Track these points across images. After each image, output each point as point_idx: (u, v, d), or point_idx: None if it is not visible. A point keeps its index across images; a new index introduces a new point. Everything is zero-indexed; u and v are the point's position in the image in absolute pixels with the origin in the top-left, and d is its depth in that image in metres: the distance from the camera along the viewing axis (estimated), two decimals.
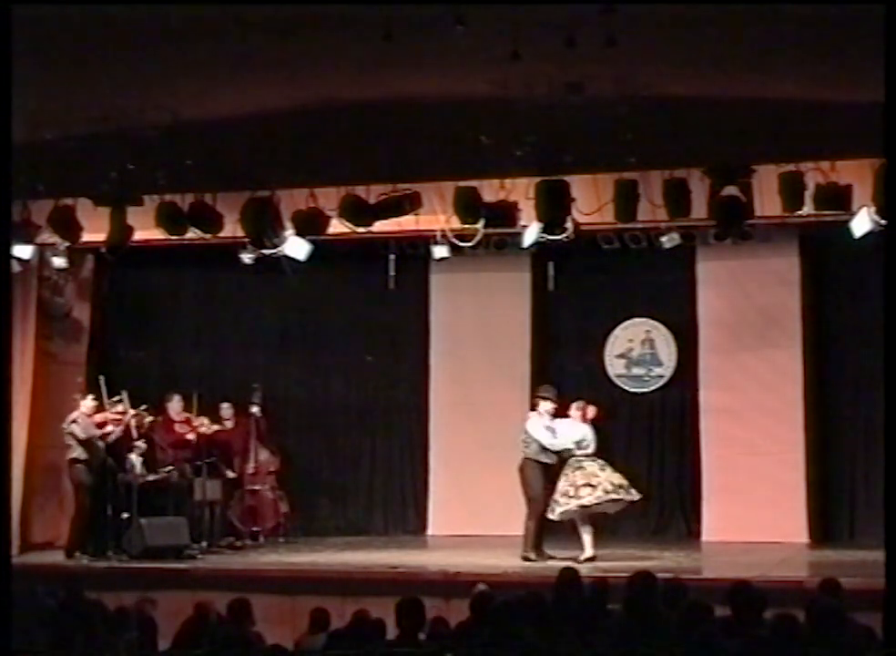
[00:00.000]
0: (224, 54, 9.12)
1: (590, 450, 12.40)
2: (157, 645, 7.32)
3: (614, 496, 12.19)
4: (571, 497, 12.14)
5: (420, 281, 15.20)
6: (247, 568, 12.31)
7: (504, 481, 13.18)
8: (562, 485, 12.26)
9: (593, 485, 12.15)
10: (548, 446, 12.42)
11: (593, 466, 12.26)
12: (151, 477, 13.28)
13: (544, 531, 12.51)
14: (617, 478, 12.27)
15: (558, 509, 12.19)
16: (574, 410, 12.59)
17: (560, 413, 12.63)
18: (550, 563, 11.84)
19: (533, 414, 12.68)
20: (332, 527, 15.29)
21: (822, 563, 12.25)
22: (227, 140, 10.84)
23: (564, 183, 11.37)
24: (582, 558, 11.98)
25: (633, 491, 12.33)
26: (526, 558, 12.23)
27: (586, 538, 12.23)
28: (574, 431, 12.44)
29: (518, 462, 12.58)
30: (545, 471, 12.45)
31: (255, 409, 14.32)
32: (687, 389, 14.74)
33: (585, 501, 12.10)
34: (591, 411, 12.62)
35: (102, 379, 13.42)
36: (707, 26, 8.52)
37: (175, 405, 13.93)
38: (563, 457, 12.42)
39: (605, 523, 12.99)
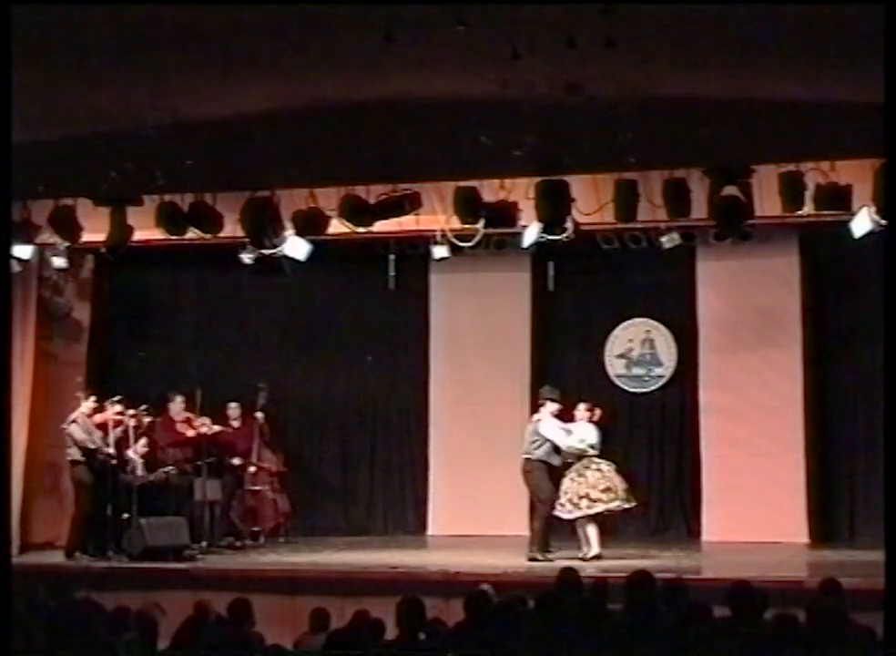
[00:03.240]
0: (224, 54, 9.13)
1: (597, 451, 12.45)
2: (158, 645, 7.31)
3: (625, 504, 12.33)
4: (594, 500, 12.19)
5: (420, 282, 15.19)
6: (247, 568, 12.31)
7: (504, 481, 13.21)
8: (578, 487, 12.25)
9: (611, 490, 12.22)
10: (564, 448, 12.42)
11: (609, 470, 12.32)
12: (151, 477, 13.29)
13: (549, 531, 12.53)
14: (615, 482, 12.33)
15: (576, 512, 12.23)
16: (582, 411, 12.58)
17: (564, 413, 12.65)
18: (551, 563, 11.86)
19: (541, 415, 12.66)
20: (333, 527, 15.29)
21: (822, 563, 12.24)
22: (227, 140, 10.84)
23: (564, 183, 11.37)
24: (590, 554, 12.09)
25: (625, 499, 12.38)
26: (533, 559, 12.25)
27: (593, 533, 12.27)
28: (586, 432, 12.46)
29: (521, 464, 12.59)
30: (551, 473, 12.47)
31: (259, 415, 14.32)
32: (687, 389, 14.73)
33: (605, 507, 12.21)
34: (598, 413, 12.63)
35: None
36: (706, 26, 8.53)
37: (176, 406, 13.94)
38: (569, 459, 12.45)
39: (605, 522, 12.98)
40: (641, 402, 15.03)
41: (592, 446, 12.42)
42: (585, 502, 12.21)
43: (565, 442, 12.41)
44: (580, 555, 12.10)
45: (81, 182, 11.88)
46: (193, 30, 8.54)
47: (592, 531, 12.27)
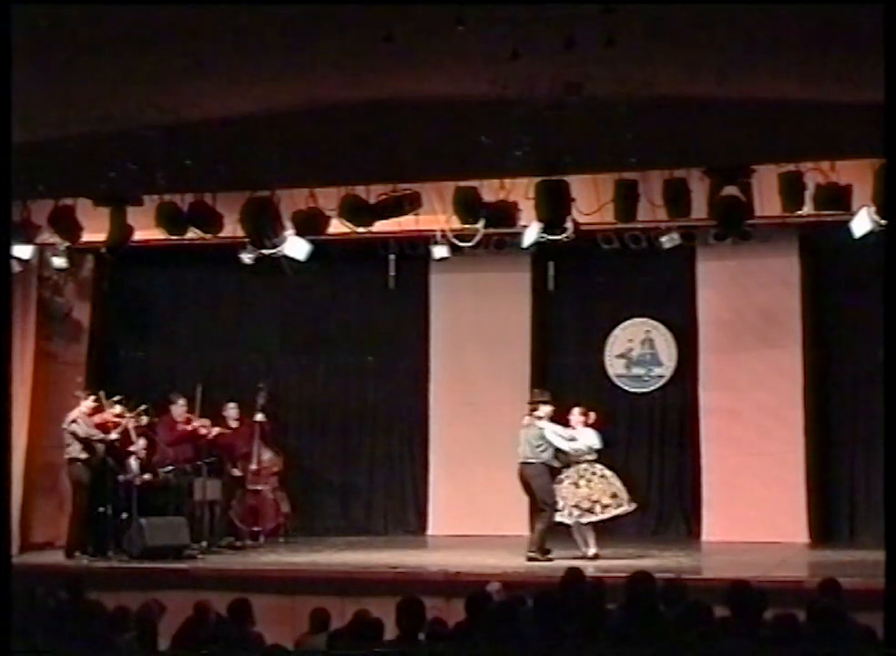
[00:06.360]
0: (224, 54, 9.12)
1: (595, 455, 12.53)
2: (158, 645, 7.31)
3: (629, 508, 12.42)
4: (606, 506, 12.31)
5: (420, 282, 15.20)
6: (247, 568, 12.31)
7: (504, 481, 13.20)
8: (590, 492, 12.33)
9: (618, 496, 12.34)
10: (571, 452, 12.48)
11: (612, 475, 12.43)
12: (151, 477, 13.29)
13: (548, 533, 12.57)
14: (619, 487, 12.40)
15: (590, 517, 12.33)
16: (577, 415, 12.62)
17: (559, 417, 12.67)
18: (551, 563, 11.88)
19: (541, 421, 12.65)
20: (333, 527, 15.29)
21: (822, 563, 12.24)
22: (227, 140, 10.84)
23: (564, 183, 11.36)
24: (591, 553, 12.16)
25: (629, 502, 12.47)
26: (532, 559, 12.26)
27: (591, 535, 12.32)
28: (589, 437, 12.51)
29: (521, 467, 12.62)
30: (553, 475, 12.51)
31: (259, 416, 14.33)
32: (687, 389, 14.74)
33: (614, 512, 12.33)
34: (592, 416, 12.66)
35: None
36: (706, 26, 8.52)
37: (178, 408, 13.92)
38: (568, 462, 12.49)
39: (605, 523, 12.99)
40: (641, 402, 15.04)
41: (593, 450, 12.50)
42: (598, 507, 12.29)
43: (571, 446, 12.48)
44: (580, 555, 12.12)
45: (81, 182, 11.87)
46: (193, 30, 8.53)
47: (590, 533, 12.33)
